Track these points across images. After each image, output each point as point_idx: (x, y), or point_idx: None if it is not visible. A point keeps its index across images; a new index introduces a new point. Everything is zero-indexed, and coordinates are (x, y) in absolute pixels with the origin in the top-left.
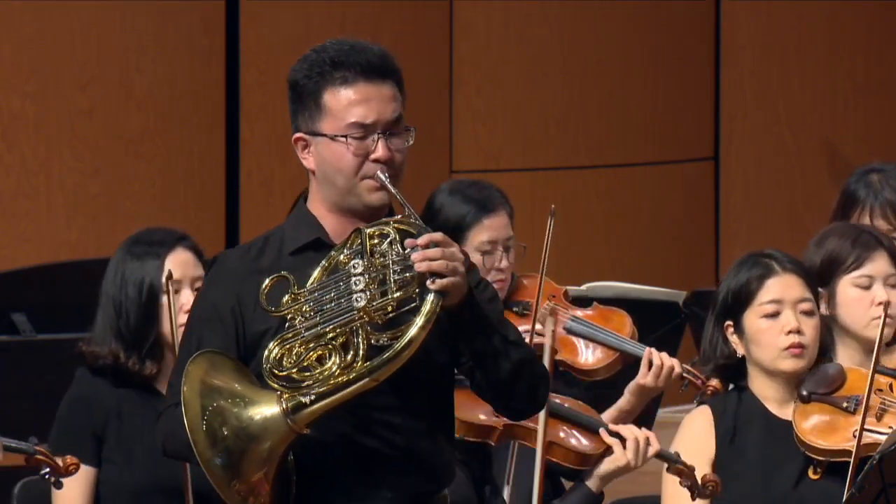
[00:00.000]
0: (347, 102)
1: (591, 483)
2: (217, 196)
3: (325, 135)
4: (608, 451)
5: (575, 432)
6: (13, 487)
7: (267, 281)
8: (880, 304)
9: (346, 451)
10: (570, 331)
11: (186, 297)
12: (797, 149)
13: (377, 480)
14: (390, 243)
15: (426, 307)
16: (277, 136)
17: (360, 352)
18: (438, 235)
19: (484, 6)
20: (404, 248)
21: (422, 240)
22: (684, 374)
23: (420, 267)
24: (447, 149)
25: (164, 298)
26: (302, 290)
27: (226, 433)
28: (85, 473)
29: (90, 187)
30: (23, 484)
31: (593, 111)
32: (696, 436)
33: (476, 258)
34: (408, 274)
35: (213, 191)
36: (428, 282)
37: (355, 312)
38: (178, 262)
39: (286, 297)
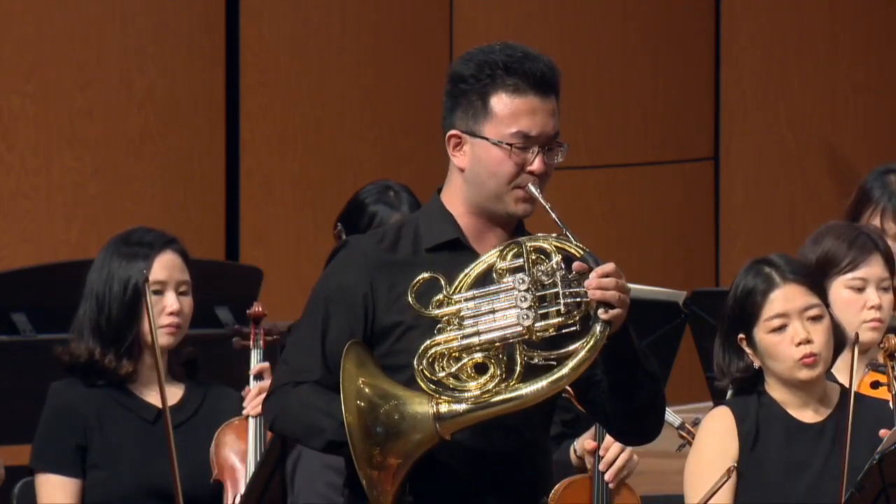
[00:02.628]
0: (516, 111)
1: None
2: (217, 196)
3: (487, 138)
4: None
5: None
6: (13, 487)
7: (419, 277)
8: (872, 307)
9: (455, 459)
10: None
11: (170, 300)
12: (797, 149)
13: (483, 489)
14: (556, 264)
15: (594, 337)
16: (277, 136)
17: (518, 369)
18: (612, 266)
19: (484, 6)
20: (570, 271)
21: (599, 270)
22: (683, 434)
23: (594, 295)
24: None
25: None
26: (458, 296)
27: (378, 430)
28: (70, 485)
29: (90, 187)
30: (23, 484)
31: (593, 111)
32: (718, 435)
33: None
34: (578, 300)
35: (213, 191)
36: (600, 311)
37: (520, 328)
38: (165, 265)
39: (438, 298)
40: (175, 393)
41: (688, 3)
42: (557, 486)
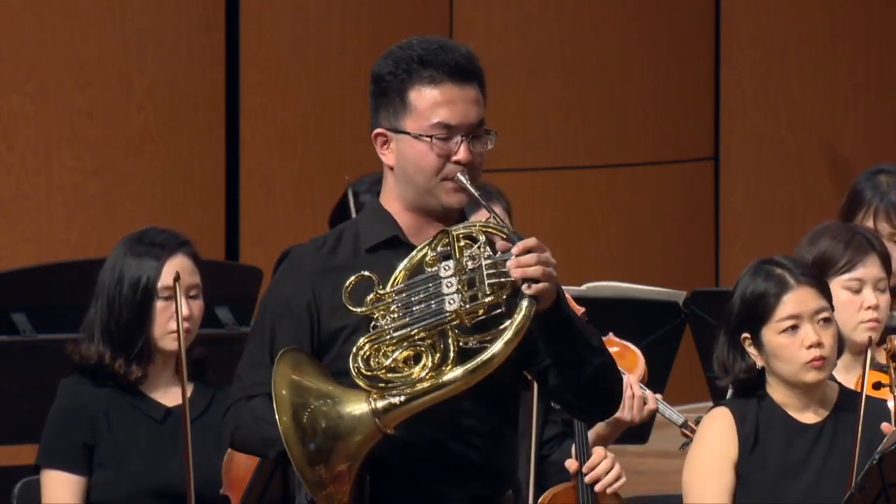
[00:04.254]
0: (434, 102)
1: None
2: (217, 196)
3: (408, 133)
4: None
5: None
6: (13, 487)
7: (352, 278)
8: (869, 308)
9: (419, 452)
10: None
11: (180, 304)
12: (797, 149)
13: (446, 481)
14: (480, 247)
15: (520, 313)
16: (277, 136)
17: (451, 355)
18: (532, 241)
19: (484, 6)
20: (495, 252)
21: (517, 247)
22: (687, 433)
23: (516, 273)
24: None
25: (159, 302)
26: (388, 290)
27: (316, 431)
28: (76, 483)
29: (90, 187)
30: (23, 484)
31: (593, 111)
32: (719, 436)
33: None
34: (501, 279)
35: (213, 191)
36: (523, 286)
37: (447, 315)
38: (176, 268)
39: (370, 296)
40: (181, 393)
41: (688, 3)
42: (543, 496)
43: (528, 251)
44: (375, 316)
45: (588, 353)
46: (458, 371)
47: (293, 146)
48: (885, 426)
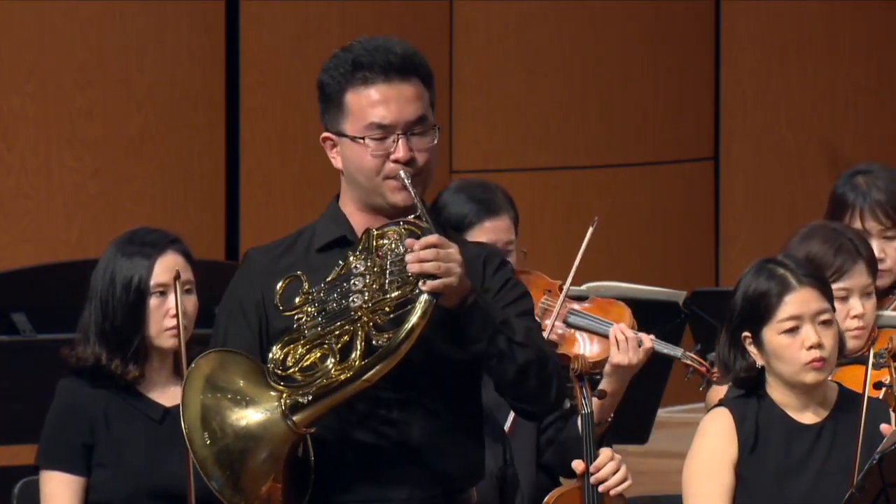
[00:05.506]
0: (367, 103)
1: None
2: (217, 196)
3: (346, 135)
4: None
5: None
6: (13, 487)
7: (281, 282)
8: (855, 316)
9: (361, 451)
10: (570, 324)
11: (173, 301)
12: (797, 149)
13: (392, 480)
14: (393, 244)
15: (418, 307)
16: (277, 136)
17: (358, 352)
18: (434, 237)
19: (484, 6)
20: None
21: (417, 243)
22: (687, 361)
23: (412, 268)
24: (447, 149)
25: (152, 300)
26: (311, 291)
27: (226, 432)
28: (75, 483)
29: (90, 187)
30: (23, 484)
31: (593, 111)
32: (718, 437)
33: None
34: (405, 275)
35: (213, 191)
36: (420, 282)
37: (352, 312)
38: (169, 266)
39: (298, 298)
40: (180, 393)
41: (688, 3)
42: (548, 496)
43: (429, 247)
44: (297, 317)
45: (511, 349)
46: (361, 367)
47: (293, 146)
48: (884, 427)
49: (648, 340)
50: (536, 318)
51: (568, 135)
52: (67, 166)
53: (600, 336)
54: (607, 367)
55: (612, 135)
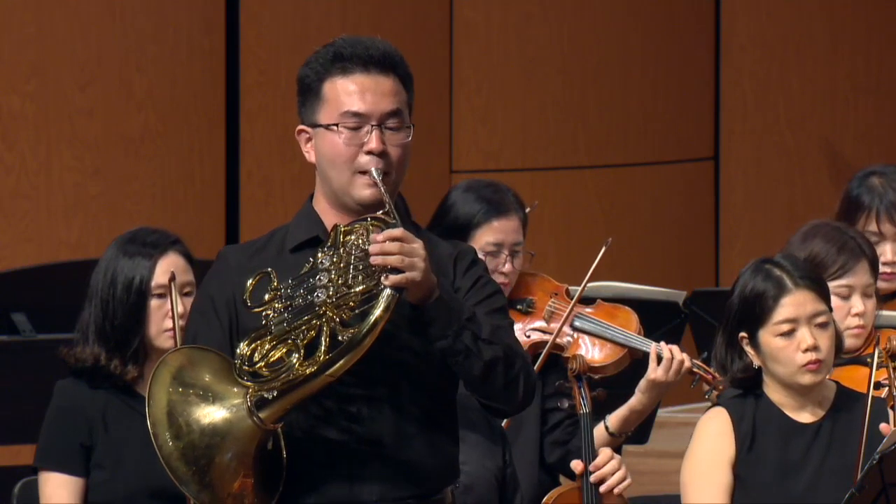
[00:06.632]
0: (344, 92)
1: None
2: (217, 196)
3: (320, 124)
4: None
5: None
6: (13, 487)
7: (251, 280)
8: (856, 314)
9: (330, 449)
10: (576, 329)
11: (176, 303)
12: (797, 149)
13: (363, 480)
14: (355, 238)
15: (381, 301)
16: (277, 136)
17: (323, 346)
18: (398, 231)
19: (484, 6)
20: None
21: (381, 235)
22: (694, 369)
23: (375, 261)
24: (447, 149)
25: (153, 301)
26: (279, 287)
27: (191, 427)
28: (74, 484)
29: (90, 187)
30: (23, 484)
31: (593, 111)
32: (715, 436)
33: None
34: (369, 269)
35: (213, 191)
36: (382, 276)
37: (317, 307)
38: (169, 267)
39: (267, 294)
40: None
41: (688, 3)
42: (547, 496)
43: (393, 241)
44: (265, 313)
45: (477, 346)
46: (325, 361)
47: (293, 146)
48: (883, 427)
49: (688, 360)
50: (543, 321)
51: (568, 135)
52: (67, 166)
53: (605, 341)
54: (642, 383)
55: (612, 135)
